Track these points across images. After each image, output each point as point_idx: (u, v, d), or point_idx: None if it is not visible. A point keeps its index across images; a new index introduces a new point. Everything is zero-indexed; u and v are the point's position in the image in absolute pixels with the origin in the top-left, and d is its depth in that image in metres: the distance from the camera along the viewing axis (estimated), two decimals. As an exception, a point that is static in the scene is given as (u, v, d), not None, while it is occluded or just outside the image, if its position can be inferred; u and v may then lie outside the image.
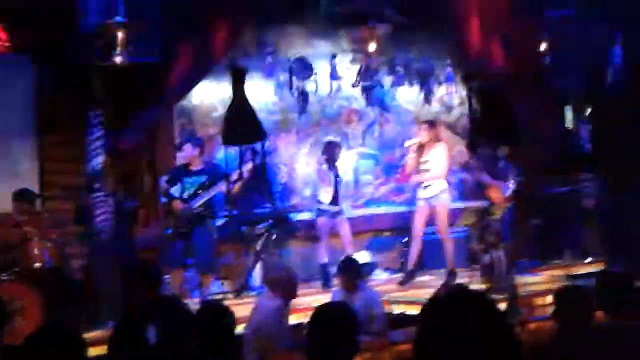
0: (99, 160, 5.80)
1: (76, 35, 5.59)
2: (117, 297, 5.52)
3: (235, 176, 5.85)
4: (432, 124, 6.86)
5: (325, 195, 6.84)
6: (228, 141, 6.39)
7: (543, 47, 6.75)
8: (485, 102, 4.95)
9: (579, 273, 6.92)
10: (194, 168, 5.82)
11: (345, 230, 6.82)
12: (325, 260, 6.80)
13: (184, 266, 5.81)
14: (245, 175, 5.95)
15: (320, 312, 2.50)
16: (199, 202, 5.65)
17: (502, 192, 7.26)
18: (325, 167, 6.81)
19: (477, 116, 4.68)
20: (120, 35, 5.13)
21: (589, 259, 7.40)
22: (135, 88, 6.19)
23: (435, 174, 6.52)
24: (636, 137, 7.24)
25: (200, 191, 5.67)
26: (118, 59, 5.21)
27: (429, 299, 2.38)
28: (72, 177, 6.32)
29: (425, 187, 6.49)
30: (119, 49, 5.19)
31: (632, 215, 7.49)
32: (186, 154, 5.97)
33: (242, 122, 6.24)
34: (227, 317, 2.80)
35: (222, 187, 5.82)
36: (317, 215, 6.91)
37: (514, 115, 5.14)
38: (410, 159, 6.50)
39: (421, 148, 6.51)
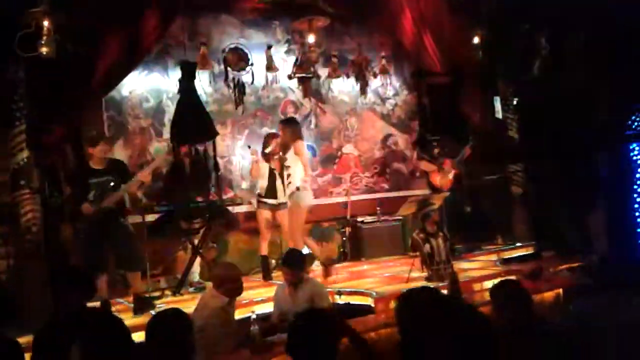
0: (23, 156, 5.47)
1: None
2: (46, 300, 5.26)
3: (145, 174, 5.65)
4: (287, 121, 6.87)
5: (263, 188, 6.77)
6: (180, 139, 6.20)
7: (475, 40, 6.90)
8: (432, 98, 5.07)
9: (510, 256, 7.18)
10: (97, 167, 5.52)
11: (285, 221, 6.77)
12: (265, 252, 6.75)
13: (105, 269, 5.54)
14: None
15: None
16: (109, 202, 5.40)
17: (445, 177, 7.44)
18: (260, 159, 6.73)
19: (425, 111, 4.76)
20: (45, 24, 4.82)
21: (519, 244, 7.68)
22: (60, 79, 5.88)
23: (295, 171, 6.53)
24: (559, 126, 7.59)
25: (108, 190, 5.42)
26: (43, 50, 4.90)
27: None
28: (-3, 174, 5.95)
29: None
30: (44, 39, 4.88)
31: (557, 201, 7.86)
32: (100, 153, 5.62)
33: (193, 120, 6.08)
34: (183, 322, 2.70)
35: (133, 184, 5.59)
36: (257, 207, 6.83)
37: (459, 109, 5.28)
38: (274, 160, 6.45)
39: (284, 147, 6.46)
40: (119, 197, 5.49)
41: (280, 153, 6.49)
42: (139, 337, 4.64)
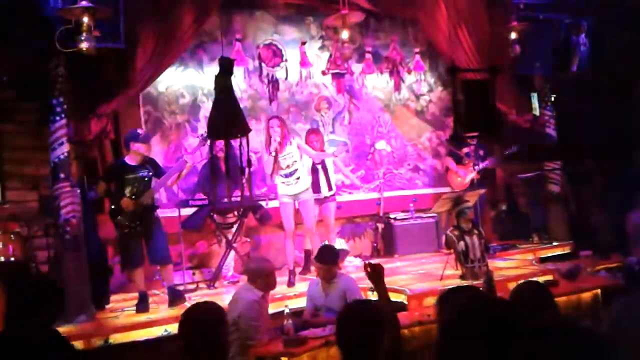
0: (63, 149, 5.59)
1: (37, 20, 5.35)
2: (85, 290, 5.39)
3: (188, 167, 5.73)
4: (282, 118, 6.75)
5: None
6: (215, 134, 6.26)
7: (512, 35, 6.78)
8: (468, 94, 4.98)
9: (547, 255, 7.07)
10: (132, 163, 5.60)
11: (329, 216, 6.78)
12: (309, 246, 6.74)
13: (143, 262, 5.64)
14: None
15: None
16: (147, 198, 5.50)
17: (463, 178, 7.38)
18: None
19: (459, 108, 4.70)
20: (85, 20, 4.90)
21: (555, 242, 7.55)
22: (99, 75, 6.00)
23: (300, 168, 6.40)
24: (597, 123, 7.42)
25: (145, 185, 5.52)
26: (83, 45, 4.98)
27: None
28: (35, 167, 6.10)
29: (289, 185, 6.31)
30: (84, 35, 4.96)
31: (594, 200, 7.70)
32: (147, 149, 5.72)
33: (230, 117, 6.13)
34: (217, 314, 2.72)
35: (170, 179, 5.67)
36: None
37: (494, 105, 5.20)
38: (269, 160, 6.21)
39: (279, 145, 6.24)
40: (154, 193, 5.60)
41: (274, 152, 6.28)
42: (175, 327, 4.78)
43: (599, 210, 7.62)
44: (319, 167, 6.81)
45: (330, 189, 6.84)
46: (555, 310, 2.91)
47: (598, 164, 7.76)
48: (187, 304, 5.40)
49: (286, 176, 6.29)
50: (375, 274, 3.07)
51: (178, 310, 5.22)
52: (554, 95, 8.10)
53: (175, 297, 5.51)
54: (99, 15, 5.12)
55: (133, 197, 5.47)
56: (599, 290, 5.30)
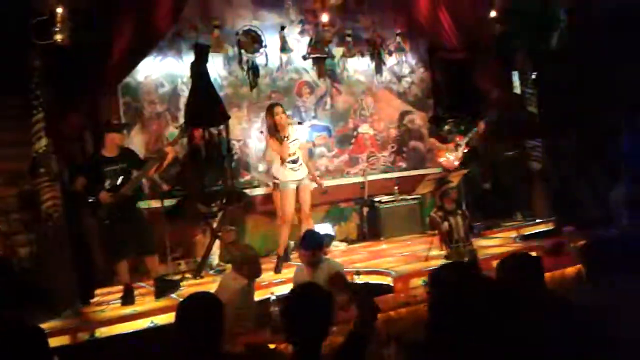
0: (42, 143, 5.51)
1: (11, 13, 5.23)
2: (68, 285, 5.35)
3: (168, 158, 5.68)
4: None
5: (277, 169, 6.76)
6: (193, 122, 6.20)
7: (492, 13, 6.77)
8: (448, 74, 4.99)
9: (530, 233, 7.12)
10: (108, 155, 5.55)
11: (306, 201, 6.76)
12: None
13: (127, 254, 5.61)
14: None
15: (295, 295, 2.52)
16: (131, 187, 5.45)
17: (452, 155, 7.38)
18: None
19: (440, 88, 4.68)
20: (59, 11, 4.82)
21: (538, 220, 7.61)
22: (76, 66, 5.90)
23: (301, 154, 6.48)
24: (579, 101, 7.45)
25: (122, 176, 5.47)
26: (58, 37, 4.91)
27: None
28: (14, 162, 6.01)
29: (296, 170, 6.34)
30: (58, 26, 4.88)
31: (576, 176, 7.76)
32: (122, 138, 5.66)
33: (206, 103, 6.08)
34: (215, 305, 2.72)
35: (150, 170, 5.63)
36: (274, 189, 6.84)
37: (474, 85, 5.21)
38: (284, 146, 6.24)
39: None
40: (134, 184, 5.53)
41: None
42: (162, 319, 4.77)
43: (582, 185, 7.68)
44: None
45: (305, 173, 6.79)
46: (542, 281, 2.90)
47: (580, 138, 7.80)
48: (173, 295, 5.40)
49: (293, 162, 6.32)
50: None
51: (164, 302, 5.22)
52: (535, 73, 8.11)
53: (164, 288, 5.48)
54: (73, 6, 5.04)
55: (111, 189, 5.42)
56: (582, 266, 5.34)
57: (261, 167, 7.65)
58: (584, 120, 7.20)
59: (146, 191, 6.72)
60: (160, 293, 5.42)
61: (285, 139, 6.19)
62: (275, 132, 6.21)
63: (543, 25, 7.43)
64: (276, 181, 6.75)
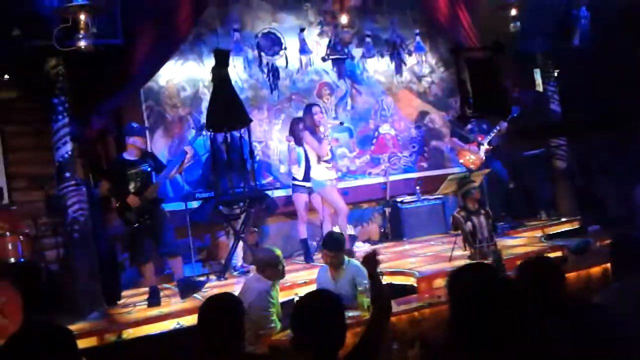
0: (67, 148, 5.59)
1: (34, 19, 5.32)
2: (95, 288, 5.42)
3: (188, 157, 5.75)
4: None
5: (298, 171, 6.80)
6: (214, 127, 6.26)
7: (512, 12, 6.72)
8: (472, 73, 4.94)
9: (555, 232, 7.04)
10: (131, 158, 5.61)
11: (319, 205, 6.80)
12: (305, 235, 6.78)
13: (152, 256, 5.68)
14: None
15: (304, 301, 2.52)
16: (151, 192, 5.51)
17: (476, 153, 7.33)
18: (292, 143, 6.76)
19: (465, 88, 4.66)
20: (82, 17, 4.88)
21: (563, 219, 7.52)
22: (98, 71, 5.98)
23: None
24: (602, 98, 7.35)
25: (147, 180, 5.53)
26: (81, 43, 4.97)
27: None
28: (40, 167, 6.12)
29: (331, 170, 6.66)
30: (81, 32, 4.95)
31: (601, 175, 7.65)
32: (136, 143, 5.69)
33: (228, 107, 6.12)
34: (237, 306, 2.74)
35: (172, 171, 5.68)
36: (293, 191, 6.87)
37: (500, 84, 5.17)
38: (324, 144, 6.51)
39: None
40: (158, 187, 5.59)
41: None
42: (188, 321, 4.81)
43: (606, 183, 7.58)
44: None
45: None
46: (562, 285, 2.86)
47: (603, 136, 7.69)
48: (197, 296, 5.44)
49: (328, 162, 6.57)
50: (369, 261, 3.04)
51: (190, 303, 5.26)
52: (557, 71, 8.02)
53: (190, 287, 5.54)
54: (95, 12, 5.10)
55: (137, 192, 5.48)
56: (608, 265, 5.26)
57: (283, 169, 7.67)
58: (607, 118, 7.10)
59: (171, 194, 6.80)
60: (184, 293, 5.47)
61: (325, 137, 6.40)
62: (314, 131, 6.41)
63: (564, 22, 7.34)
64: (297, 183, 6.77)
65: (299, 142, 6.74)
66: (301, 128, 6.67)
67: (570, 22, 7.43)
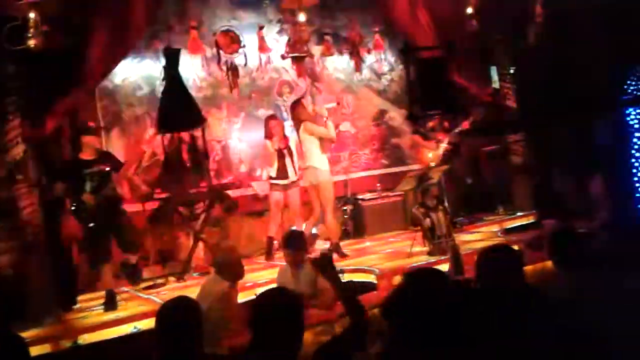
0: (19, 150, 5.44)
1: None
2: (50, 292, 5.29)
3: (146, 156, 5.68)
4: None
5: (272, 169, 6.76)
6: (166, 127, 6.17)
7: (469, 10, 6.81)
8: (423, 72, 5.01)
9: (512, 226, 7.18)
10: (87, 158, 5.52)
11: (293, 202, 6.77)
12: (273, 233, 6.73)
13: (110, 258, 5.61)
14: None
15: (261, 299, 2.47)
16: (107, 191, 5.42)
17: (434, 152, 7.42)
18: (267, 142, 6.71)
19: (415, 86, 4.72)
20: (32, 16, 4.75)
21: (520, 213, 7.67)
22: (51, 71, 5.83)
23: (311, 151, 6.60)
24: (555, 94, 7.51)
25: (103, 179, 5.44)
26: (31, 42, 4.85)
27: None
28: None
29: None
30: (31, 31, 4.82)
31: (556, 169, 7.82)
32: (90, 142, 5.60)
33: (179, 107, 6.04)
34: (193, 310, 2.70)
35: (130, 168, 5.63)
36: (270, 189, 6.81)
37: (451, 83, 5.25)
38: (329, 126, 6.57)
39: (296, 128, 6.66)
40: (115, 185, 5.49)
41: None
42: (146, 324, 4.74)
43: (562, 178, 7.75)
44: (285, 151, 6.75)
45: (295, 173, 6.81)
46: (522, 274, 2.87)
47: (559, 132, 7.86)
48: (156, 299, 5.36)
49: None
50: (320, 265, 2.97)
51: (147, 307, 5.18)
52: (513, 68, 8.16)
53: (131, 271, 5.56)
54: (46, 10, 4.98)
55: (93, 191, 5.37)
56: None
57: (243, 168, 7.62)
58: (561, 114, 7.26)
59: (127, 195, 6.67)
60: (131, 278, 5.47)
61: (326, 119, 6.43)
62: (315, 118, 6.42)
63: (520, 20, 7.48)
64: (273, 181, 6.68)
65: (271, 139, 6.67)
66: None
67: (526, 20, 7.58)
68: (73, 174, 5.49)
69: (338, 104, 7.31)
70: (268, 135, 6.69)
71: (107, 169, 5.52)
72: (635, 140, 6.04)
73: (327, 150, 6.57)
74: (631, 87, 6.13)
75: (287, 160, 6.73)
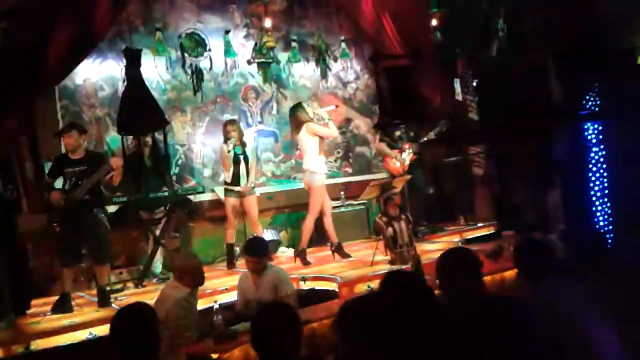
0: (-27, 150, 5.27)
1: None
2: (2, 296, 5.11)
3: (117, 161, 5.50)
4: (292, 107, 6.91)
5: (228, 175, 6.71)
6: (126, 130, 6.05)
7: (433, 22, 6.92)
8: (390, 81, 5.06)
9: (472, 237, 7.28)
10: (74, 157, 5.38)
11: (251, 208, 6.73)
12: (232, 240, 6.69)
13: (76, 262, 5.46)
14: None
15: None
16: (82, 191, 5.26)
17: (401, 160, 7.47)
18: (224, 146, 6.67)
19: (382, 95, 4.76)
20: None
21: (480, 224, 7.79)
22: (9, 69, 5.67)
23: (307, 153, 6.58)
24: (516, 107, 7.67)
25: (82, 180, 5.28)
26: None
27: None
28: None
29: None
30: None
31: (516, 181, 7.98)
32: (72, 140, 5.46)
33: (140, 110, 5.93)
34: (150, 316, 2.65)
35: (105, 173, 5.40)
36: (224, 195, 6.76)
37: (417, 92, 5.32)
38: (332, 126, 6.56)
39: (295, 130, 6.56)
40: (87, 188, 5.31)
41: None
42: (102, 330, 4.62)
43: (521, 190, 7.90)
44: (241, 157, 6.71)
45: (248, 181, 6.77)
46: (479, 275, 2.90)
47: (518, 145, 8.02)
48: (115, 306, 5.25)
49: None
50: None
51: (103, 312, 5.06)
52: (476, 80, 8.30)
53: (107, 297, 5.35)
54: (5, 5, 4.85)
55: (65, 191, 5.22)
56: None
57: (206, 173, 7.54)
58: (520, 126, 7.42)
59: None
60: (103, 303, 5.28)
61: (327, 121, 6.40)
62: (317, 120, 6.34)
63: (483, 33, 7.62)
64: (227, 187, 6.63)
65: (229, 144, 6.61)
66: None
67: (488, 34, 7.73)
68: (58, 170, 5.35)
69: (337, 107, 7.28)
70: (225, 139, 6.66)
71: (87, 169, 5.33)
72: (592, 155, 6.20)
73: (325, 153, 6.57)
74: (589, 103, 6.30)
75: (242, 166, 6.69)
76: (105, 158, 5.70)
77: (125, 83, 6.17)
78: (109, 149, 6.88)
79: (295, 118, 6.44)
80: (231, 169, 6.63)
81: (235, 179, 6.65)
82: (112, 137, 6.92)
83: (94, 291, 5.82)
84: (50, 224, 5.31)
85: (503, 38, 7.59)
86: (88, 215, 5.32)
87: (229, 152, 6.56)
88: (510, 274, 5.46)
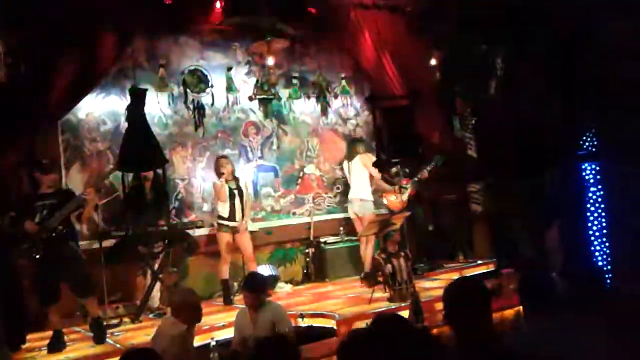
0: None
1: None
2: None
3: (92, 192, 5.49)
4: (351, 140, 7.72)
5: (224, 210, 6.73)
6: (126, 167, 6.08)
7: (432, 61, 7.03)
8: (388, 120, 5.13)
9: (471, 274, 7.25)
10: (43, 192, 5.37)
11: (245, 244, 6.74)
12: (226, 276, 6.67)
13: (58, 298, 5.32)
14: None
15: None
16: (55, 220, 5.24)
17: (400, 196, 7.48)
18: (219, 181, 6.71)
19: (380, 133, 4.83)
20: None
21: (479, 261, 7.76)
22: (13, 103, 5.74)
23: (359, 184, 7.53)
24: (516, 145, 7.74)
25: (54, 212, 5.27)
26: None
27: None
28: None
29: None
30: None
31: (514, 219, 7.99)
32: (48, 181, 5.39)
33: (141, 148, 5.97)
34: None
35: (76, 205, 5.35)
36: (218, 230, 6.77)
37: (414, 131, 5.38)
38: None
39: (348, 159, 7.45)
40: (62, 218, 5.27)
41: None
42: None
43: (520, 227, 7.90)
44: (236, 192, 6.75)
45: (244, 216, 6.79)
46: (489, 310, 2.79)
47: (519, 182, 8.06)
48: (109, 341, 5.19)
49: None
50: None
51: (98, 349, 5.01)
52: (475, 118, 8.39)
53: (102, 332, 5.28)
54: (10, 41, 4.93)
55: (39, 223, 5.20)
56: (520, 307, 5.46)
57: (206, 207, 7.55)
58: (519, 165, 7.47)
59: (85, 231, 6.52)
60: (98, 338, 5.21)
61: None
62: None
63: (481, 72, 7.74)
64: (222, 222, 6.67)
65: (224, 179, 6.67)
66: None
67: (486, 73, 7.85)
68: (24, 205, 5.32)
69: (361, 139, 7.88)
70: (217, 174, 6.74)
71: (58, 202, 5.32)
72: (590, 194, 6.23)
73: (372, 184, 7.18)
74: (587, 143, 6.36)
75: (237, 201, 6.72)
76: (77, 195, 5.62)
77: (127, 121, 6.22)
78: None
79: (353, 148, 7.11)
80: (227, 203, 6.66)
81: (232, 214, 6.67)
82: (115, 176, 6.85)
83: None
84: (27, 258, 5.22)
85: (501, 77, 7.71)
86: (63, 247, 5.28)
87: (222, 183, 6.63)
88: (509, 312, 5.43)
